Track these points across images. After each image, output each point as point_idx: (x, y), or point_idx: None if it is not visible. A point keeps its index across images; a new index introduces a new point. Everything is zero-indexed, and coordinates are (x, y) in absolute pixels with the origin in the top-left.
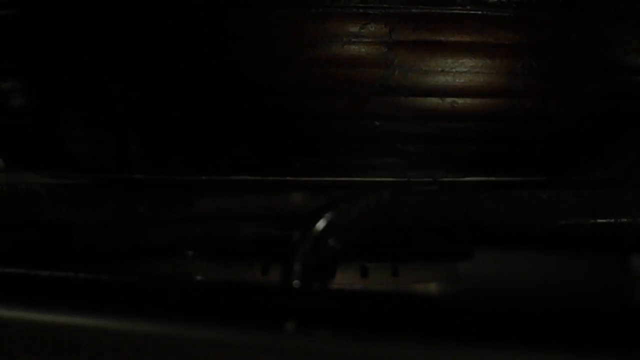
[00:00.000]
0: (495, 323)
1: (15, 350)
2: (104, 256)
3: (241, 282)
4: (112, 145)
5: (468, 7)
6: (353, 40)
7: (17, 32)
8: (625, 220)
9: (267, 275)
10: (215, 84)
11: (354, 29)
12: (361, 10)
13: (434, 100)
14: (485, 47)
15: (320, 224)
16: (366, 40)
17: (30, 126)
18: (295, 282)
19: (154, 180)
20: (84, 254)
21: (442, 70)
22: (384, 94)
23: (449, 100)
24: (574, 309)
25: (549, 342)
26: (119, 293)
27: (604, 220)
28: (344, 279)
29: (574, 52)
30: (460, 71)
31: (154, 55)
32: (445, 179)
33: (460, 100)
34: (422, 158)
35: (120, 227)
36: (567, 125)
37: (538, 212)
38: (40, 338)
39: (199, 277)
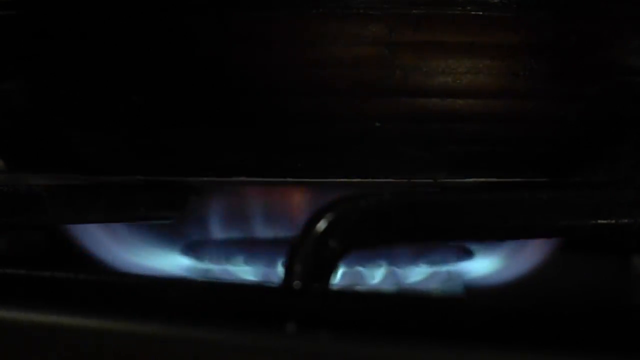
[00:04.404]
0: (495, 324)
1: (15, 350)
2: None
3: (241, 283)
4: (113, 146)
5: (469, 8)
6: (354, 41)
7: (18, 32)
8: (626, 221)
9: (267, 276)
10: (215, 85)
11: (354, 30)
12: (362, 11)
13: (435, 101)
14: (486, 48)
15: (321, 225)
16: (367, 41)
17: (31, 127)
18: (296, 283)
19: (154, 182)
20: (84, 254)
21: (443, 71)
22: (384, 95)
23: (449, 101)
24: (574, 310)
25: (550, 343)
26: (119, 293)
27: (604, 222)
28: (345, 280)
29: (574, 53)
30: (460, 72)
31: (154, 56)
32: (446, 180)
33: (460, 101)
34: (423, 159)
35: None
36: (568, 127)
37: (539, 213)
38: (40, 338)
39: (199, 278)
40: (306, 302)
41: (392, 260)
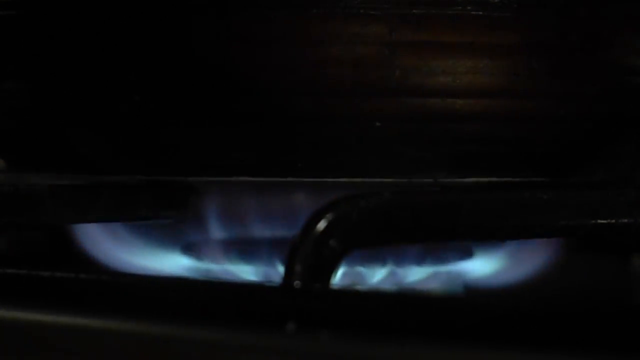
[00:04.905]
0: (495, 323)
1: (15, 350)
2: (101, 258)
3: (242, 283)
4: (113, 146)
5: (469, 8)
6: (354, 41)
7: (18, 32)
8: (626, 221)
9: (268, 276)
10: (215, 85)
11: (355, 29)
12: (362, 11)
13: (435, 101)
14: (485, 48)
15: (321, 225)
16: (367, 40)
17: (32, 127)
18: (296, 283)
19: (154, 182)
20: (84, 254)
21: (443, 71)
22: (384, 95)
23: (449, 100)
24: (574, 310)
25: (550, 343)
26: (119, 293)
27: (604, 221)
28: (345, 280)
29: (574, 53)
30: (460, 72)
31: (155, 56)
32: (446, 180)
33: (461, 101)
34: (423, 159)
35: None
36: (568, 126)
37: (539, 212)
38: (40, 338)
39: (199, 278)
40: (306, 302)
41: (392, 260)
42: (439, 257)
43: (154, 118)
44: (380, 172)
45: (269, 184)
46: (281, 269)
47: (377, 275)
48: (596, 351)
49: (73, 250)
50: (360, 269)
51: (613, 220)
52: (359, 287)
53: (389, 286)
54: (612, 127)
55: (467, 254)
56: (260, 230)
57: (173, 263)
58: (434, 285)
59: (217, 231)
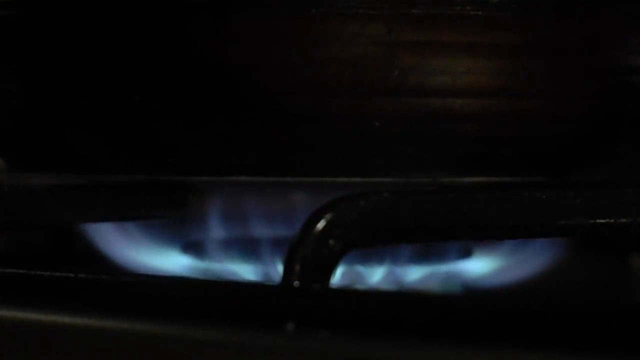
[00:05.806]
0: (494, 323)
1: (15, 350)
2: (104, 256)
3: (241, 282)
4: (113, 146)
5: (468, 8)
6: (353, 40)
7: (18, 32)
8: (624, 220)
9: (267, 275)
10: (215, 85)
11: (354, 29)
12: (361, 11)
13: (434, 101)
14: (485, 48)
15: (321, 224)
16: (366, 40)
17: (31, 127)
18: (296, 283)
19: (154, 181)
20: (84, 254)
21: (442, 71)
22: (384, 95)
23: (449, 100)
24: (574, 310)
25: (549, 343)
26: (119, 293)
27: (603, 221)
28: (344, 279)
29: (574, 53)
30: (460, 72)
31: (155, 56)
32: (445, 180)
33: (460, 101)
34: (422, 159)
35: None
36: (567, 126)
37: (538, 212)
38: (40, 338)
39: (198, 277)
40: (305, 302)
41: (392, 260)
42: (439, 256)
43: (154, 118)
44: (380, 172)
45: (268, 184)
46: (280, 268)
47: (376, 275)
48: (596, 351)
49: (73, 250)
50: (360, 269)
51: (612, 220)
52: (358, 287)
53: (388, 286)
54: (612, 127)
55: (466, 254)
56: (260, 230)
57: (173, 262)
58: (434, 285)
59: (217, 230)
